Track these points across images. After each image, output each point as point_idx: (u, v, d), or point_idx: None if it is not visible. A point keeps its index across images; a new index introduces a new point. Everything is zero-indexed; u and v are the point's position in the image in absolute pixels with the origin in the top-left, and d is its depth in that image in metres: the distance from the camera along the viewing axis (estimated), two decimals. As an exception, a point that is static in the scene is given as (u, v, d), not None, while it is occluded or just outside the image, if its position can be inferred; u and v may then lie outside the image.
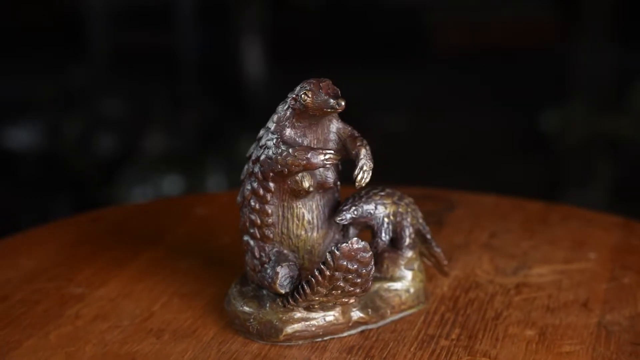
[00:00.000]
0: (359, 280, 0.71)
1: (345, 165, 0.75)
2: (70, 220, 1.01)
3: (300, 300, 0.71)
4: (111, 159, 2.30)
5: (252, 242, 0.74)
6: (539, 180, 2.33)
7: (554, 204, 1.03)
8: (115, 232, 0.96)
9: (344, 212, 0.75)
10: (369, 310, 0.75)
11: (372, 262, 0.71)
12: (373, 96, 2.78)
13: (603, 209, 1.22)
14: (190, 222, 0.99)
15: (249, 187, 0.73)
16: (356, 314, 0.75)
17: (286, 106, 0.72)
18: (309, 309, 0.73)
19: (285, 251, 0.74)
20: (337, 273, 0.70)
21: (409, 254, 0.77)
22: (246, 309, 0.74)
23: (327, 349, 0.73)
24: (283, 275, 0.73)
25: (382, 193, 0.77)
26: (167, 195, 2.14)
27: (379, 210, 0.76)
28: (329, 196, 0.75)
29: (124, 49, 2.78)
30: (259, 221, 0.73)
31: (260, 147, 0.73)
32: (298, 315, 0.73)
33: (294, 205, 0.73)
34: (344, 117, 0.74)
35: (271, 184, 0.72)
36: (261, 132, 0.73)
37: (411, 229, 0.77)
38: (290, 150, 0.71)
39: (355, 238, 0.70)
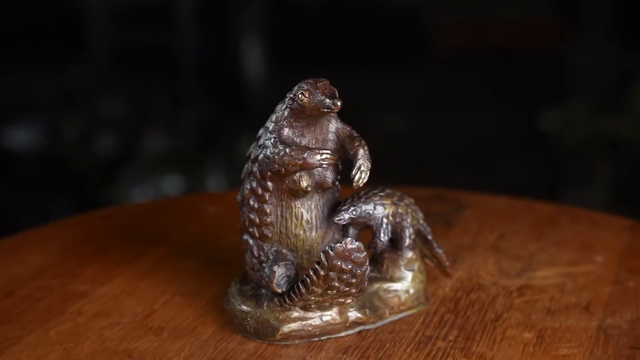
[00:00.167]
0: (354, 280, 0.71)
1: (346, 165, 0.75)
2: (81, 217, 1.02)
3: (296, 299, 0.72)
4: (111, 159, 2.30)
5: (251, 241, 0.75)
6: (539, 180, 2.33)
7: (564, 206, 1.03)
8: (125, 230, 0.97)
9: (342, 212, 0.75)
10: (367, 310, 0.75)
11: (367, 263, 0.71)
12: (373, 96, 2.79)
13: (603, 209, 1.22)
14: (199, 220, 1.00)
15: (248, 187, 0.74)
16: (353, 314, 0.75)
17: (284, 106, 0.72)
18: (305, 308, 0.73)
19: (283, 250, 0.74)
20: (331, 273, 0.70)
21: (409, 254, 0.77)
22: (244, 307, 0.74)
23: (324, 348, 0.73)
24: (280, 275, 0.73)
25: (382, 194, 0.77)
26: (168, 195, 2.14)
27: (378, 210, 0.76)
28: (329, 196, 0.75)
29: (124, 49, 2.78)
30: (257, 220, 0.74)
31: (259, 146, 0.73)
32: (295, 314, 0.73)
33: (293, 204, 0.73)
34: (343, 117, 0.74)
35: (269, 184, 0.72)
36: (260, 131, 0.74)
37: (411, 230, 0.77)
38: (287, 149, 0.71)
39: (349, 238, 0.70)
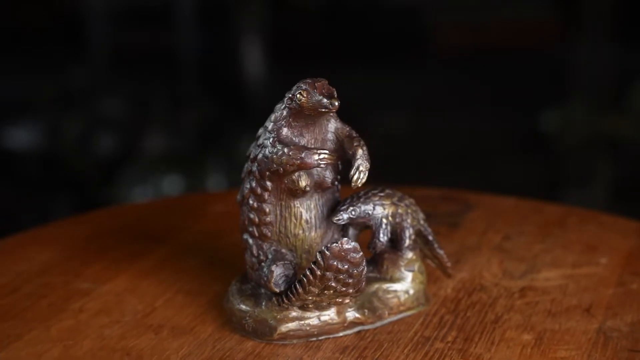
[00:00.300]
0: (350, 280, 0.71)
1: (345, 165, 0.75)
2: (86, 216, 1.03)
3: (293, 299, 0.72)
4: (111, 159, 2.30)
5: (250, 241, 0.75)
6: (539, 180, 2.33)
7: (573, 207, 1.02)
8: (129, 229, 0.97)
9: (341, 212, 0.74)
10: (366, 310, 0.75)
11: (364, 263, 0.71)
12: (373, 96, 2.79)
13: (603, 209, 1.22)
14: (204, 219, 1.00)
15: (247, 186, 0.74)
16: (352, 314, 0.74)
17: (283, 105, 0.72)
18: (303, 308, 0.73)
19: (283, 250, 0.74)
20: (327, 273, 0.70)
21: (409, 255, 0.77)
22: (243, 307, 0.75)
23: (321, 348, 0.73)
24: (278, 274, 0.73)
25: (382, 194, 0.77)
26: (169, 195, 2.14)
27: (377, 210, 0.76)
28: (329, 196, 0.75)
29: (124, 49, 2.78)
30: (257, 219, 0.74)
31: (258, 146, 0.73)
32: (293, 314, 0.73)
33: (292, 204, 0.73)
34: (343, 117, 0.74)
35: (268, 183, 0.72)
36: (260, 131, 0.74)
37: (411, 230, 0.77)
38: (285, 149, 0.71)
39: (345, 239, 0.70)
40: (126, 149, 2.34)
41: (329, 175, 0.74)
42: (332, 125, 0.73)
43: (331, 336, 0.74)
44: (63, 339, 0.75)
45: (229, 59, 2.74)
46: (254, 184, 0.73)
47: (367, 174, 0.71)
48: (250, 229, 0.74)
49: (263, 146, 0.72)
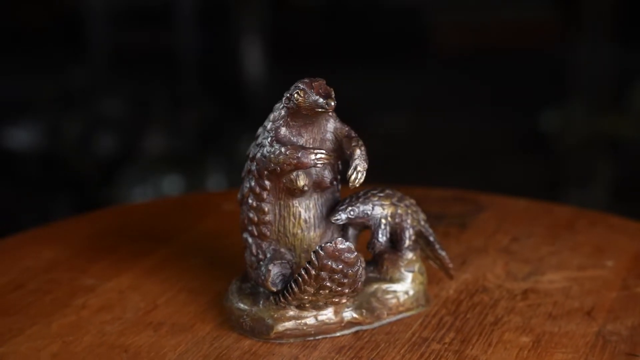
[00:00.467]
0: (345, 280, 0.71)
1: (345, 165, 0.74)
2: (89, 215, 1.03)
3: (290, 298, 0.72)
4: (111, 159, 2.30)
5: (250, 239, 0.75)
6: (539, 180, 2.33)
7: (584, 210, 1.02)
8: (134, 227, 0.98)
9: (340, 212, 0.74)
10: (364, 311, 0.75)
11: (359, 263, 0.70)
12: (373, 96, 2.79)
13: (603, 209, 1.22)
14: (208, 218, 1.00)
15: (247, 185, 0.74)
16: (349, 314, 0.74)
17: (281, 105, 0.72)
18: (301, 307, 0.73)
19: (281, 249, 0.74)
20: (322, 273, 0.70)
21: (409, 255, 0.77)
22: (241, 305, 0.75)
23: (317, 348, 0.73)
24: (275, 274, 0.73)
25: (381, 194, 0.76)
26: (169, 194, 2.14)
27: (376, 211, 0.76)
28: (328, 195, 0.75)
29: (124, 49, 2.78)
30: (256, 218, 0.74)
31: (257, 145, 0.73)
32: (290, 313, 0.73)
33: (290, 203, 0.73)
34: (343, 117, 0.74)
35: (267, 182, 0.72)
36: (259, 130, 0.74)
37: (411, 231, 0.77)
38: (283, 149, 0.71)
39: (340, 238, 0.70)
40: (126, 149, 2.34)
41: (327, 175, 0.74)
42: (331, 125, 0.73)
43: (328, 336, 0.74)
44: (63, 334, 0.75)
45: (229, 59, 2.74)
46: (253, 183, 0.73)
47: (364, 174, 0.71)
48: (250, 228, 0.74)
49: (261, 145, 0.72)
